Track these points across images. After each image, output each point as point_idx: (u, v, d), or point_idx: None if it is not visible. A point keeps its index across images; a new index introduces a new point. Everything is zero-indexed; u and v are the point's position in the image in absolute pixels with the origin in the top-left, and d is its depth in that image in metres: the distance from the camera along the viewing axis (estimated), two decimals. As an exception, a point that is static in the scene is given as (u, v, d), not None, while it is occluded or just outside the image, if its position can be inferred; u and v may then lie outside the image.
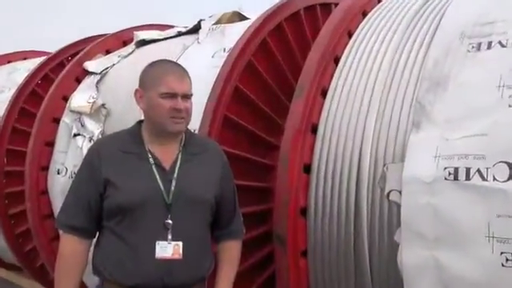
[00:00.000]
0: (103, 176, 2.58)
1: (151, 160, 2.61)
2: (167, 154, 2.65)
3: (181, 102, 2.56)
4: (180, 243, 2.55)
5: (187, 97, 2.60)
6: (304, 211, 3.20)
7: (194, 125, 3.63)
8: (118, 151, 2.63)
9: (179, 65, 2.74)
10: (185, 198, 2.58)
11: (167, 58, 2.82)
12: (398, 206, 2.79)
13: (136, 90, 2.69)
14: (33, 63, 6.95)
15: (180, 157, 2.66)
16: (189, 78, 2.64)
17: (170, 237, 2.53)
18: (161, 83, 2.58)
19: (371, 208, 3.00)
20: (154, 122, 2.63)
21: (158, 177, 2.58)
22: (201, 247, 2.65)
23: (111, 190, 2.57)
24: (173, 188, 2.58)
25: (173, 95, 2.56)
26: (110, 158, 2.61)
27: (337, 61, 3.43)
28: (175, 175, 2.60)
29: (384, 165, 2.94)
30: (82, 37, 6.65)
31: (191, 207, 2.60)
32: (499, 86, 2.68)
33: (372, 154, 3.03)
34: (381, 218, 2.97)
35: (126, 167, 2.60)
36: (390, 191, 2.86)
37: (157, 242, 2.52)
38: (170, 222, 2.54)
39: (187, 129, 2.75)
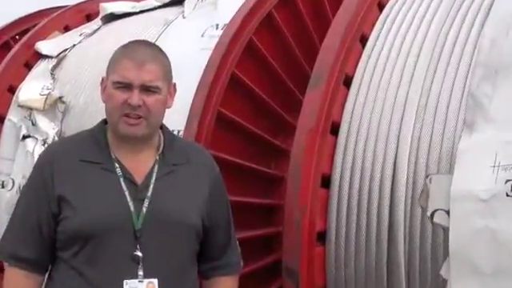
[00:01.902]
0: (56, 192, 2.55)
1: (119, 172, 2.59)
2: (140, 164, 2.63)
3: (136, 96, 2.52)
4: (155, 281, 2.52)
5: (150, 90, 2.57)
6: (322, 237, 3.19)
7: (178, 124, 3.62)
8: (75, 160, 2.61)
9: (151, 46, 2.72)
10: (160, 223, 2.56)
11: (142, 38, 2.81)
12: (445, 230, 2.79)
13: (102, 79, 2.68)
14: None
15: (156, 168, 2.63)
16: (159, 64, 2.60)
17: (141, 273, 2.51)
18: (115, 70, 2.58)
19: (410, 233, 2.99)
20: (108, 120, 2.63)
21: (127, 194, 2.56)
22: (183, 285, 2.63)
23: (66, 212, 2.54)
24: (144, 209, 2.55)
25: (127, 86, 2.54)
26: (66, 168, 2.59)
27: (364, 41, 3.42)
28: (149, 192, 2.58)
29: (426, 177, 2.92)
30: (34, 9, 6.64)
31: (169, 234, 2.57)
32: None
33: (410, 162, 3.01)
34: (422, 246, 2.95)
35: (86, 181, 2.57)
36: (435, 211, 2.84)
37: (125, 282, 2.50)
38: (139, 254, 2.52)
39: (167, 131, 2.73)
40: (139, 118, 2.54)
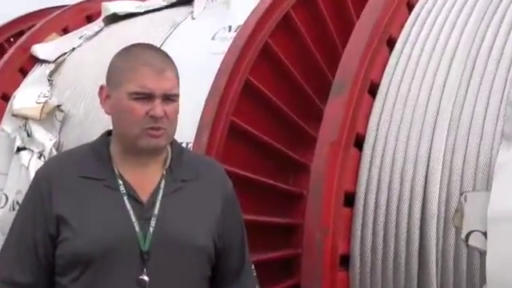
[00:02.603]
0: (54, 212, 2.55)
1: (122, 189, 2.58)
2: (145, 179, 2.62)
3: (159, 106, 2.52)
4: None
5: (170, 98, 2.57)
6: (345, 260, 3.19)
7: (187, 136, 3.62)
8: (75, 176, 2.60)
9: (160, 51, 2.70)
10: (168, 244, 2.55)
11: (147, 42, 2.81)
12: (482, 254, 2.78)
13: (101, 88, 2.66)
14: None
15: (163, 184, 2.62)
16: (174, 70, 2.61)
17: None
18: (130, 79, 2.54)
19: (442, 257, 2.98)
20: (122, 133, 2.60)
21: (131, 213, 2.55)
22: (193, 314, 2.63)
23: (65, 233, 2.53)
24: (151, 229, 2.54)
25: (148, 96, 2.53)
26: (65, 185, 2.58)
27: (391, 44, 3.43)
28: (155, 211, 2.57)
29: (461, 194, 2.93)
30: (31, 9, 6.68)
31: (178, 257, 2.56)
32: None
33: (443, 178, 3.01)
34: (456, 272, 2.94)
35: (87, 199, 2.56)
36: (470, 233, 2.85)
37: None
38: (145, 278, 2.51)
39: (175, 143, 2.72)
40: (161, 129, 2.54)
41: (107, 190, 2.58)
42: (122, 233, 2.52)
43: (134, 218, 2.54)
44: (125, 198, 2.57)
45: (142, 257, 2.52)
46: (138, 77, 2.53)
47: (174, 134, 2.63)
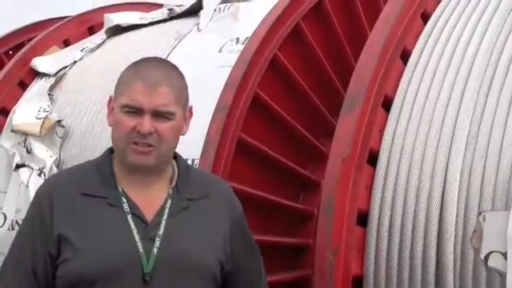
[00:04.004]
0: (56, 231, 2.55)
1: (126, 207, 2.59)
2: (150, 198, 2.63)
3: (147, 122, 2.53)
4: None
5: (162, 115, 2.57)
6: (359, 282, 3.17)
7: (193, 152, 3.62)
8: (78, 194, 2.61)
9: (166, 65, 2.71)
10: (172, 266, 2.55)
11: (151, 54, 2.81)
12: (502, 276, 2.77)
13: (109, 99, 2.69)
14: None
15: (169, 203, 2.63)
16: (172, 85, 2.59)
17: None
18: (124, 92, 2.58)
19: (460, 279, 2.96)
20: (114, 147, 2.64)
21: (135, 233, 2.55)
22: None
23: (67, 253, 2.54)
24: (156, 250, 2.54)
25: (137, 111, 2.54)
26: (67, 204, 2.59)
27: (406, 57, 3.42)
28: (160, 231, 2.57)
29: (479, 213, 2.91)
30: (30, 21, 6.69)
31: (183, 279, 2.57)
32: None
33: (461, 197, 2.99)
34: (475, 294, 2.92)
35: (89, 218, 2.57)
36: (489, 254, 2.83)
37: None
38: None
39: (181, 160, 2.73)
40: (149, 146, 2.54)
41: (110, 208, 2.59)
42: (124, 253, 2.53)
43: (137, 238, 2.55)
44: (129, 216, 2.58)
45: (144, 279, 2.52)
46: (131, 90, 2.56)
47: (169, 153, 2.64)
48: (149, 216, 2.59)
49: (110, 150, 2.71)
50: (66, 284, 2.54)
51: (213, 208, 2.70)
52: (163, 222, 2.59)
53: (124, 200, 2.60)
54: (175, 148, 2.66)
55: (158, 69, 2.64)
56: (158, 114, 2.54)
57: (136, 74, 2.60)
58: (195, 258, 2.59)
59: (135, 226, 2.56)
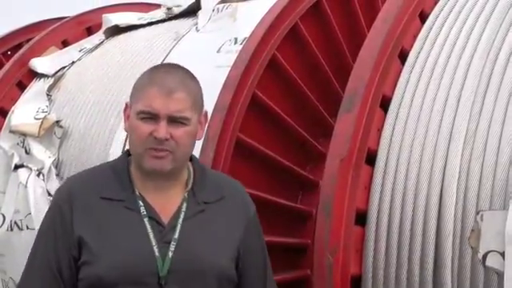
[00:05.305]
0: (76, 234, 2.57)
1: (143, 211, 2.60)
2: (167, 202, 2.63)
3: (164, 128, 2.54)
4: None
5: (178, 121, 2.58)
6: (357, 282, 3.17)
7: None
8: (96, 197, 2.62)
9: (181, 71, 2.71)
10: (188, 269, 2.56)
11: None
12: (500, 275, 2.77)
13: (125, 105, 2.70)
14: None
15: (185, 207, 2.64)
16: (189, 93, 2.61)
17: None
18: (140, 98, 2.59)
19: (458, 278, 2.96)
20: (132, 152, 2.65)
21: (151, 236, 2.56)
22: None
23: (85, 256, 2.56)
24: (170, 254, 2.55)
25: (153, 117, 2.56)
26: (86, 206, 2.60)
27: (404, 56, 3.42)
28: (176, 235, 2.58)
29: (477, 213, 2.91)
30: (29, 21, 6.68)
31: (198, 282, 2.58)
32: None
33: (459, 197, 3.00)
34: (473, 293, 2.92)
35: (106, 222, 2.58)
36: (487, 253, 2.83)
37: None
38: None
39: (196, 162, 2.74)
40: (165, 151, 2.55)
41: (127, 212, 2.60)
42: (140, 256, 2.54)
43: (153, 242, 2.56)
44: (145, 219, 2.59)
45: (160, 282, 2.53)
46: (146, 96, 2.56)
47: (185, 158, 2.64)
48: (165, 219, 2.60)
49: (127, 153, 2.72)
50: (87, 286, 2.56)
51: (228, 210, 2.71)
52: (179, 226, 2.60)
53: (141, 203, 2.61)
54: (191, 152, 2.68)
55: (173, 74, 2.64)
56: (174, 120, 2.55)
57: (150, 80, 2.60)
58: (210, 261, 2.60)
59: (151, 229, 2.57)
